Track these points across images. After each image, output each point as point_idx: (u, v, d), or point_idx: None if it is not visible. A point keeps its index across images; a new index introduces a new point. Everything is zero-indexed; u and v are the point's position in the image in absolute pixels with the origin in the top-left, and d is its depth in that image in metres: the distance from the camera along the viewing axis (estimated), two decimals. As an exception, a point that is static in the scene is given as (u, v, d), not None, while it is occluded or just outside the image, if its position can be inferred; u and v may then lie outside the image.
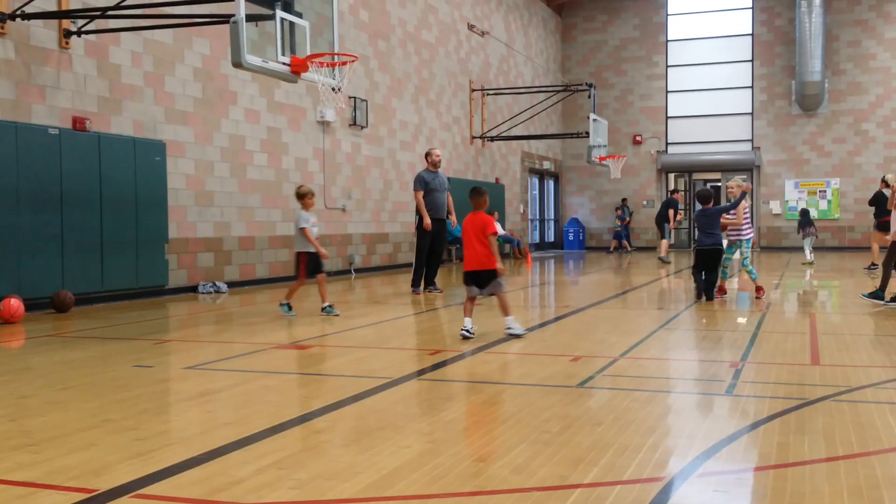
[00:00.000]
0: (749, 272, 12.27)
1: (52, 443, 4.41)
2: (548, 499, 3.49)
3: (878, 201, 17.74)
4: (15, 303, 9.77)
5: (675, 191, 26.26)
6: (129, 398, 5.55)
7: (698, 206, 11.99)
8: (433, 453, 4.17)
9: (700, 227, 11.74)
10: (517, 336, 8.14)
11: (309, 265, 10.14)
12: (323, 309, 10.20)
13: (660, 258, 22.55)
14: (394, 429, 4.67)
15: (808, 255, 20.61)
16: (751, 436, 4.51)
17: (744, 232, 12.11)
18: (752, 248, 12.40)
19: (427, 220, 12.96)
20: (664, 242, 23.05)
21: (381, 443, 4.36)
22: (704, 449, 4.24)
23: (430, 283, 13.34)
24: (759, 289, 12.02)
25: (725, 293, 12.11)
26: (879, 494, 3.53)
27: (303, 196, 10.40)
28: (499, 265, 8.22)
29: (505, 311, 8.28)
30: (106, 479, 3.76)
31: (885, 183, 17.80)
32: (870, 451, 4.17)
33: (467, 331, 8.08)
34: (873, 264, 17.37)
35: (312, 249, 10.13)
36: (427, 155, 13.56)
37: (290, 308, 10.25)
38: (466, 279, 8.36)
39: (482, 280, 8.25)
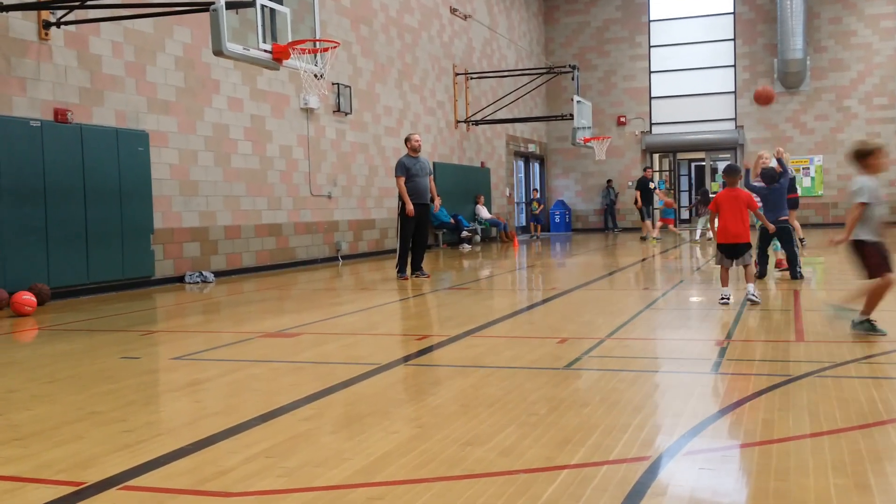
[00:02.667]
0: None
1: (38, 437, 4.40)
2: (535, 480, 3.52)
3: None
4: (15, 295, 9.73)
5: (646, 168, 25.98)
6: (117, 390, 5.54)
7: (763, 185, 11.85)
8: (421, 438, 4.19)
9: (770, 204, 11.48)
10: (755, 303, 8.78)
11: (881, 257, 6.60)
12: (860, 323, 6.76)
13: (653, 238, 22.51)
14: (382, 415, 4.68)
15: (698, 235, 21.04)
16: (736, 413, 4.55)
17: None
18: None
19: (409, 206, 12.98)
20: (647, 223, 23.47)
21: (369, 429, 4.37)
22: (690, 427, 4.27)
23: (416, 269, 13.35)
24: (780, 262, 12.23)
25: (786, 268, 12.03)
26: (863, 469, 3.57)
27: (866, 155, 6.67)
28: (770, 227, 9.92)
29: (749, 279, 9.06)
30: (93, 472, 3.76)
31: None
32: (853, 426, 4.21)
33: (727, 298, 8.88)
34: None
35: (873, 238, 6.60)
36: (406, 140, 13.58)
37: (872, 326, 6.69)
38: (723, 251, 9.05)
39: (738, 252, 8.95)
